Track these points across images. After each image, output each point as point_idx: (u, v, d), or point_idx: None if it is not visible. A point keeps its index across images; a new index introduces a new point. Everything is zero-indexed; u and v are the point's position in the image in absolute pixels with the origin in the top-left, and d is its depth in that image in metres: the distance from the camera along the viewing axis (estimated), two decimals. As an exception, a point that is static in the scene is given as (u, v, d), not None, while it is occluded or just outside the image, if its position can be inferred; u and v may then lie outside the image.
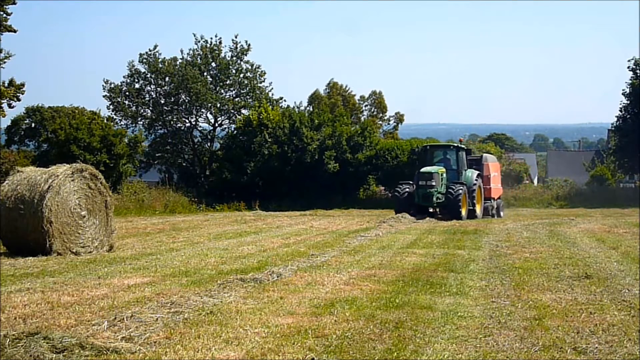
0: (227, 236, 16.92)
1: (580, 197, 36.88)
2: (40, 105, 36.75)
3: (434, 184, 23.92)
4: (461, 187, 23.90)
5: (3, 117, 29.97)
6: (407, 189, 24.76)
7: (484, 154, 29.16)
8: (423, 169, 24.59)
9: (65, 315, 6.97)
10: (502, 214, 27.76)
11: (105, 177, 15.02)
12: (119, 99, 39.58)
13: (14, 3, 28.07)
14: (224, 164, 36.58)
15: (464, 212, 23.71)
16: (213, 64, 40.48)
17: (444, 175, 24.65)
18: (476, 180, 25.09)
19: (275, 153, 35.26)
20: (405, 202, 24.40)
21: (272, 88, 42.73)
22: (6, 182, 13.32)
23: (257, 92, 40.80)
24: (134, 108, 39.96)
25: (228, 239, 15.98)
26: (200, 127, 41.55)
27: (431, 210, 25.21)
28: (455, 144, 26.08)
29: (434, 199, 24.03)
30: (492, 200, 26.91)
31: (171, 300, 7.63)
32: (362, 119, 48.15)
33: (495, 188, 27.38)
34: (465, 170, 25.29)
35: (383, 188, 37.61)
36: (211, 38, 40.40)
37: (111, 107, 39.60)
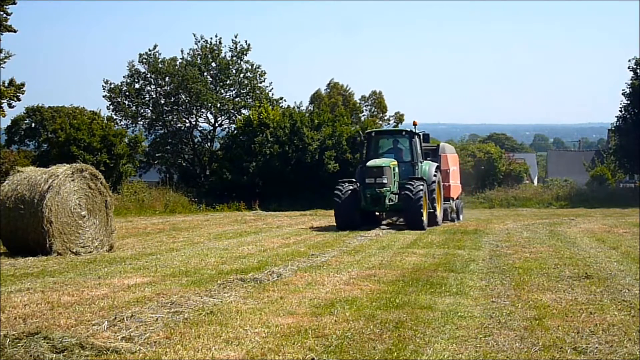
0: (227, 236, 16.93)
1: (580, 197, 36.87)
2: (40, 105, 36.87)
3: (385, 181, 18.44)
4: (421, 184, 18.42)
5: (3, 117, 30.02)
6: (351, 188, 18.93)
7: (442, 144, 23.81)
8: (370, 162, 18.99)
9: (66, 315, 6.97)
10: (461, 217, 23.26)
11: (105, 177, 15.03)
12: (119, 99, 39.57)
13: (14, 3, 28.08)
14: (224, 164, 36.55)
15: (425, 216, 18.34)
16: (213, 64, 40.45)
17: (396, 169, 19.23)
18: (435, 174, 19.88)
19: (275, 153, 35.25)
20: (349, 206, 18.64)
21: (272, 88, 42.75)
22: (6, 182, 13.32)
23: (257, 92, 40.78)
24: (134, 108, 39.94)
25: (228, 239, 15.98)
26: (200, 127, 41.55)
27: (378, 213, 20.35)
28: (408, 130, 20.52)
29: (387, 201, 18.72)
30: (451, 201, 22.11)
31: (171, 300, 7.64)
32: (362, 118, 48.15)
33: (454, 185, 22.84)
34: (422, 163, 19.92)
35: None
36: (211, 38, 40.44)
37: (111, 107, 39.64)
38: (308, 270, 10.20)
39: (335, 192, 19.00)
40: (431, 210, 19.07)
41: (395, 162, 19.21)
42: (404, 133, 20.55)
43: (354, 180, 19.62)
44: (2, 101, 28.53)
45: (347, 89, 52.79)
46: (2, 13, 27.37)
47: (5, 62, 28.08)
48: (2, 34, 27.65)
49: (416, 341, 5.99)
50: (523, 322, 6.69)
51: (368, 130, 22.03)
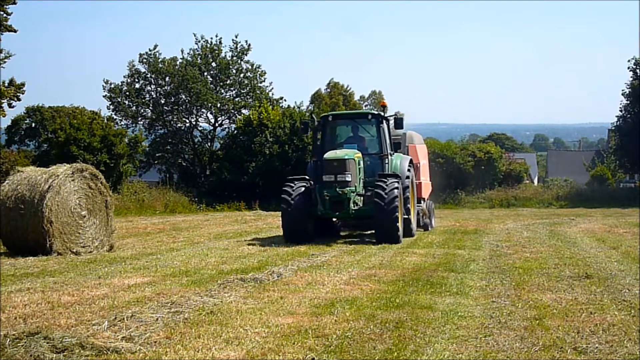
0: (227, 236, 16.93)
1: (580, 197, 36.88)
2: (40, 105, 36.88)
3: (348, 178, 14.37)
4: (395, 182, 14.38)
5: (3, 117, 30.02)
6: (303, 189, 14.77)
7: (408, 132, 18.51)
8: (329, 154, 14.82)
9: (66, 315, 6.98)
10: (434, 221, 19.06)
11: (105, 177, 15.04)
12: (119, 99, 39.61)
13: (14, 3, 28.09)
14: (224, 164, 36.59)
15: (401, 224, 14.47)
16: (213, 64, 40.48)
17: (362, 163, 15.14)
18: (409, 170, 15.93)
19: (275, 153, 35.27)
20: (300, 212, 14.47)
21: (273, 88, 42.79)
22: (6, 182, 13.33)
23: (258, 92, 40.81)
24: (134, 108, 39.98)
25: (228, 239, 15.98)
26: (200, 127, 41.59)
27: (335, 220, 16.22)
28: (375, 112, 16.43)
29: (351, 204, 14.50)
30: (423, 202, 17.92)
31: (171, 300, 7.64)
32: (362, 118, 48.13)
33: (425, 183, 18.47)
34: (392, 156, 15.90)
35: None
36: (211, 38, 40.45)
37: (111, 107, 39.69)
38: (308, 270, 10.20)
39: (283, 194, 14.71)
40: (406, 217, 15.13)
41: (360, 155, 15.15)
42: (369, 117, 16.27)
43: (306, 177, 15.38)
44: (2, 101, 28.53)
45: (348, 88, 52.84)
46: (2, 13, 27.37)
47: (5, 62, 28.11)
48: (2, 34, 27.67)
49: (416, 341, 6.00)
50: (523, 322, 6.69)
51: (324, 114, 17.37)
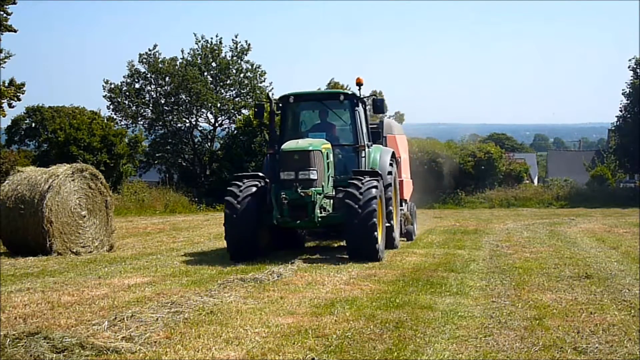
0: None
1: (580, 197, 36.85)
2: (40, 105, 36.79)
3: (313, 176, 11.28)
4: (374, 182, 11.27)
5: (3, 117, 29.99)
6: (255, 188, 11.49)
7: (386, 120, 15.33)
8: (288, 145, 11.72)
9: (66, 315, 6.98)
10: (416, 228, 15.62)
11: (105, 177, 15.06)
12: (119, 99, 39.59)
13: (14, 3, 28.07)
14: (224, 164, 36.58)
15: (380, 236, 11.34)
16: (213, 64, 40.47)
17: (331, 157, 12.05)
18: (391, 166, 12.94)
19: (275, 153, 35.28)
20: (249, 220, 11.19)
21: (273, 88, 42.76)
22: (6, 182, 13.34)
23: (258, 91, 40.80)
24: (134, 108, 39.96)
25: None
26: (200, 127, 41.55)
27: (302, 232, 13.31)
28: (349, 92, 13.07)
29: (317, 210, 11.25)
30: (404, 204, 14.63)
31: (171, 300, 7.64)
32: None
33: (406, 181, 15.15)
34: (370, 148, 12.78)
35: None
36: (211, 38, 40.40)
37: (111, 107, 39.66)
38: (308, 270, 10.19)
39: (227, 196, 11.43)
40: (387, 224, 12.18)
41: (329, 146, 12.02)
42: (341, 98, 12.74)
43: (260, 175, 11.99)
44: (2, 101, 28.51)
45: (348, 88, 52.77)
46: (2, 13, 27.35)
47: (5, 62, 28.08)
48: (2, 34, 27.65)
49: (416, 341, 6.00)
50: (523, 322, 6.69)
51: (285, 94, 12.96)
